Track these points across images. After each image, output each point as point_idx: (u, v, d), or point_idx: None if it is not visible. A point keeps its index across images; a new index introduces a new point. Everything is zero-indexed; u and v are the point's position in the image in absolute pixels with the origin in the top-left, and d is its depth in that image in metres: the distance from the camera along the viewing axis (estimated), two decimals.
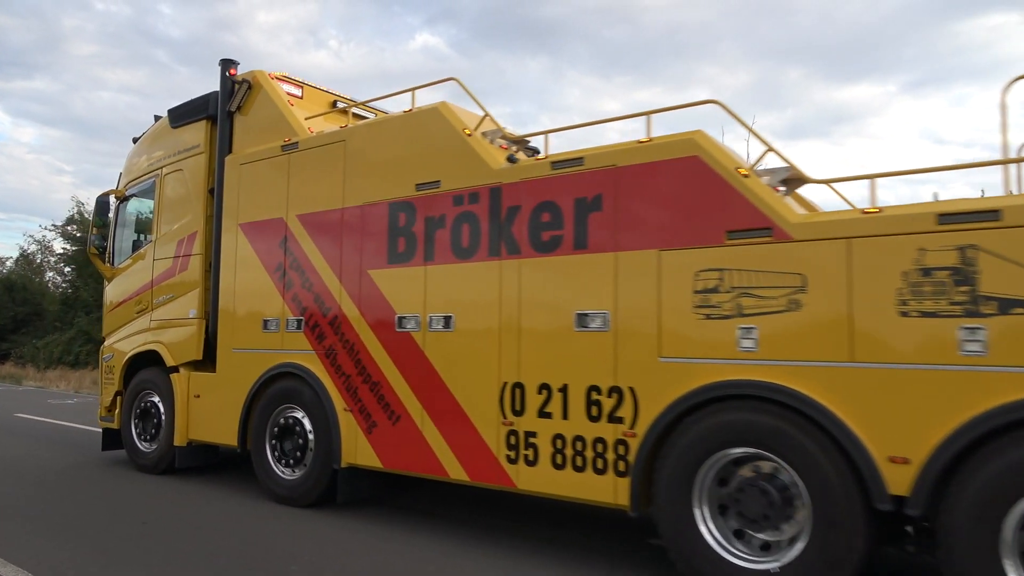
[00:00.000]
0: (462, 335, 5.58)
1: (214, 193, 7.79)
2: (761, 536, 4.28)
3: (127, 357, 8.41)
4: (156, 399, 8.09)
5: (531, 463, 5.12)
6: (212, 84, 7.86)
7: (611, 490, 4.75)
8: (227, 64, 7.79)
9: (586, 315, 4.94)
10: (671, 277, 4.62)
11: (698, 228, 4.56)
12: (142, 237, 9.05)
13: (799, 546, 4.08)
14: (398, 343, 5.97)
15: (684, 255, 4.59)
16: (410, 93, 6.36)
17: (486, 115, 5.87)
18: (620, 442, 4.73)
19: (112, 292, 8.95)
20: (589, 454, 4.85)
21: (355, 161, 6.44)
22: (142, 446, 8.20)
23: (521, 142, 6.07)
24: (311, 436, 6.52)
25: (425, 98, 6.34)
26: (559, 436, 5.00)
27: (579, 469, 4.89)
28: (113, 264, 8.96)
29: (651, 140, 4.87)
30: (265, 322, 7.00)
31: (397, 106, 7.41)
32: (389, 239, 6.11)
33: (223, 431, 7.33)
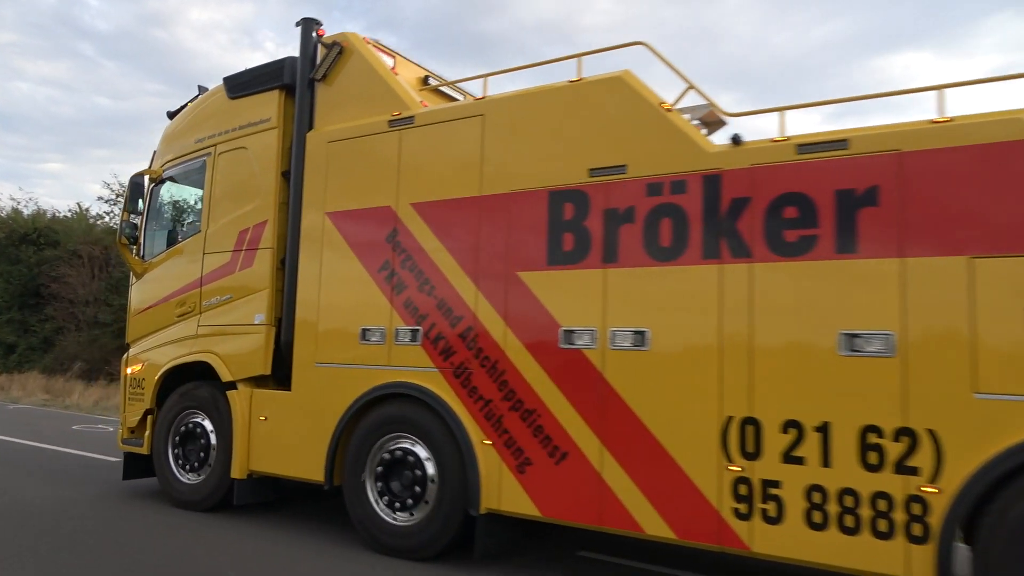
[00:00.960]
0: (661, 355, 4.50)
1: (289, 176, 6.53)
2: None
3: (163, 369, 7.03)
4: (203, 420, 6.74)
5: (773, 520, 4.06)
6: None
7: (900, 560, 3.73)
8: (310, 24, 6.55)
9: (858, 336, 3.93)
10: (991, 291, 3.65)
11: None
12: (180, 227, 7.69)
13: None
14: (564, 362, 4.85)
15: (1013, 264, 3.63)
16: (533, 68, 5.29)
17: (690, 87, 4.82)
18: (915, 499, 3.72)
19: (141, 292, 7.54)
20: (865, 512, 3.83)
21: (498, 140, 5.31)
22: (184, 477, 6.82)
23: (715, 123, 5.05)
24: (432, 473, 5.32)
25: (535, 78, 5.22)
26: (817, 488, 3.96)
27: (850, 531, 3.86)
28: (143, 258, 7.56)
29: (951, 120, 3.91)
30: (364, 332, 5.77)
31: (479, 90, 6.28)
32: (549, 235, 5.00)
33: (299, 462, 6.04)
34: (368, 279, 5.81)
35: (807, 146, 4.20)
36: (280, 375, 6.42)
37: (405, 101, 5.97)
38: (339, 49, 6.36)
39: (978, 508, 3.62)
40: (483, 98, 5.52)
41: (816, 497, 3.96)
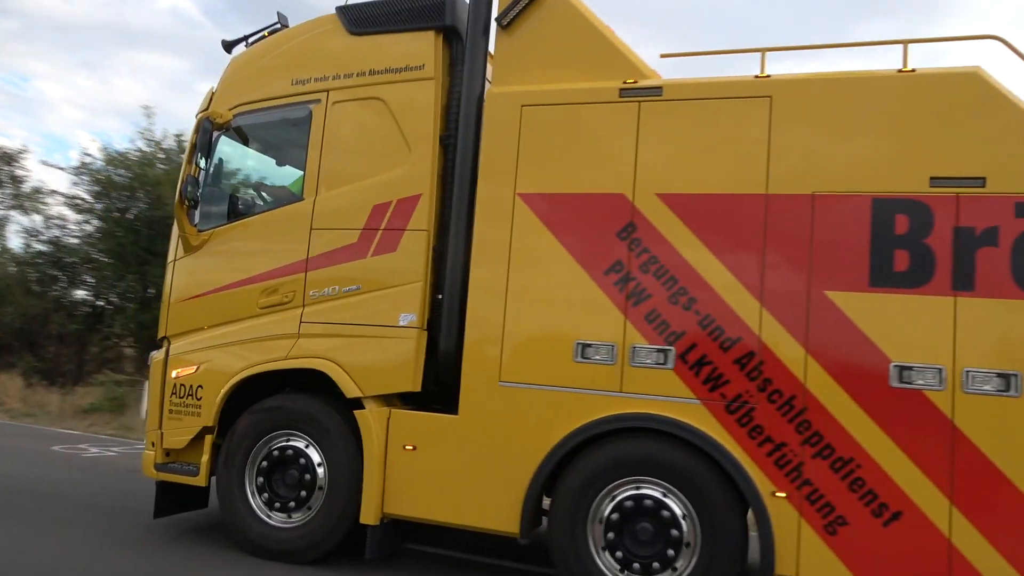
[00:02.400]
0: None
1: (450, 141, 5.18)
2: None
3: (239, 377, 5.34)
4: (303, 446, 5.18)
5: None
6: None
7: None
8: None
9: None
10: None
11: None
12: (257, 191, 5.99)
13: None
14: (895, 404, 4.06)
15: None
16: (839, 49, 4.53)
17: None
18: None
19: (193, 271, 5.71)
20: None
21: (793, 129, 4.41)
22: (271, 518, 5.19)
23: None
24: (689, 532, 4.30)
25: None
26: None
27: None
28: (196, 227, 5.73)
29: None
30: (583, 347, 4.62)
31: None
32: (873, 250, 4.19)
33: (472, 507, 4.75)
34: (588, 282, 4.66)
35: None
36: (428, 393, 5.07)
37: (638, 67, 4.88)
38: None
39: None
40: (767, 77, 4.59)
41: None
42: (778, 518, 4.16)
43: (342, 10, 5.57)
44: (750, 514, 4.32)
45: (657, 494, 4.40)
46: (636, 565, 4.37)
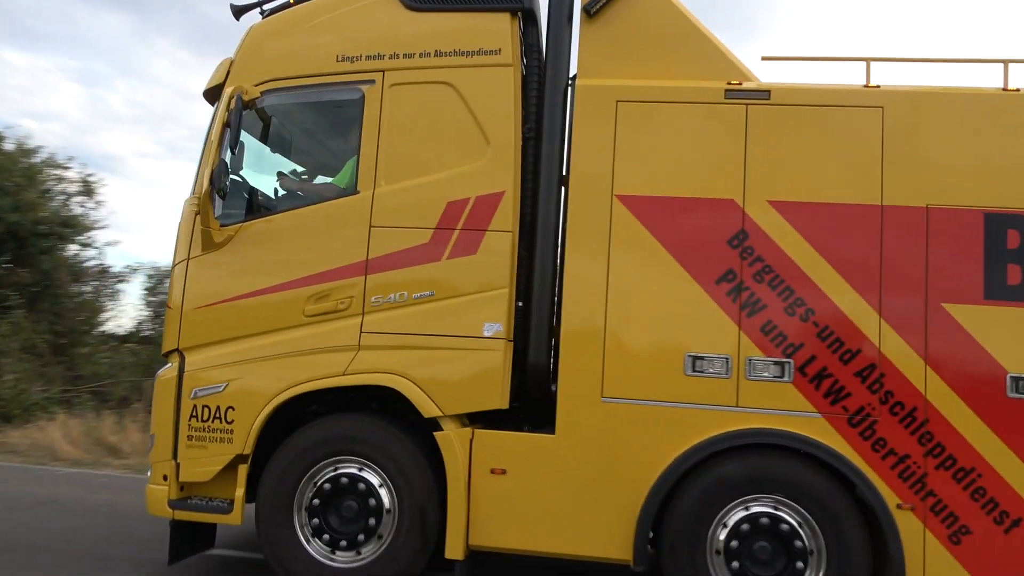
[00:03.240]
0: None
1: (530, 135, 4.76)
2: None
3: (285, 395, 4.61)
4: (364, 473, 4.56)
5: None
6: None
7: None
8: None
9: None
10: None
11: None
12: (289, 181, 5.20)
13: None
14: (1012, 413, 4.18)
15: None
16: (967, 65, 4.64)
17: None
18: None
19: (216, 274, 4.86)
20: None
21: (907, 141, 4.41)
22: (329, 558, 4.52)
23: None
24: (813, 548, 4.20)
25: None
26: None
27: None
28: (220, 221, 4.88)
29: None
30: (694, 360, 4.39)
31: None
32: (987, 263, 4.28)
33: (573, 535, 4.39)
34: (698, 290, 4.44)
35: None
36: (518, 410, 4.63)
37: (740, 68, 4.71)
38: None
39: None
40: (877, 87, 4.56)
41: None
42: (906, 530, 4.16)
43: None
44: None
45: (773, 510, 4.26)
46: None
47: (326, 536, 4.54)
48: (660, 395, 4.41)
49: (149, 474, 4.87)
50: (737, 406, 4.35)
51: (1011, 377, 4.19)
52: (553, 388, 4.61)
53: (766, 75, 4.74)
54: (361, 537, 4.51)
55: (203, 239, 4.82)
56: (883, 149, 4.42)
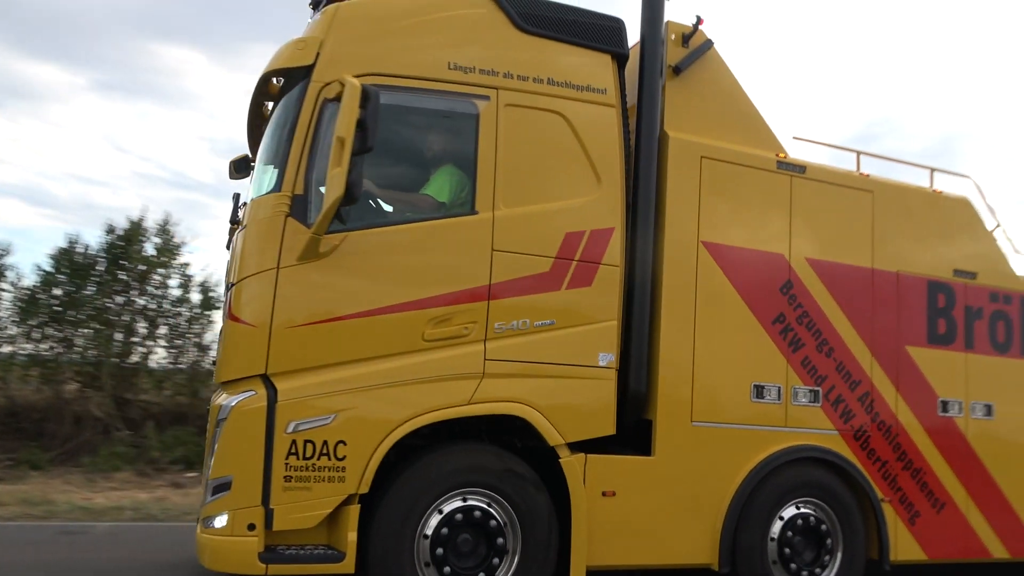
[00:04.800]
0: (1001, 423, 6.02)
1: (632, 175, 5.07)
2: None
3: (406, 427, 4.21)
4: (486, 504, 4.41)
5: None
6: None
7: None
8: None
9: None
10: None
11: None
12: (391, 190, 4.64)
13: None
14: (941, 427, 5.79)
15: None
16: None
17: (998, 225, 6.43)
18: None
19: (313, 285, 4.16)
20: None
21: (888, 220, 5.78)
22: None
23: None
24: (836, 535, 5.31)
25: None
26: None
27: None
28: (308, 225, 4.18)
29: None
30: (758, 388, 5.19)
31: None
32: (928, 317, 5.85)
33: (669, 546, 4.88)
34: (760, 329, 5.26)
35: None
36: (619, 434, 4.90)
37: (778, 142, 5.62)
38: (710, 45, 5.39)
39: None
40: (868, 176, 5.84)
41: None
42: (888, 517, 5.50)
43: None
44: None
45: (810, 510, 5.28)
46: (807, 573, 5.19)
47: (447, 570, 4.30)
48: (735, 419, 5.12)
49: (216, 524, 4.02)
50: (786, 426, 5.26)
51: (940, 400, 5.81)
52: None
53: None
54: (488, 569, 4.37)
55: (305, 247, 4.14)
56: (874, 224, 5.74)
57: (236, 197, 5.81)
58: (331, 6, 4.60)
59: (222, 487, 4.04)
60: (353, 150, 3.98)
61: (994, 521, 5.89)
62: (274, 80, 4.73)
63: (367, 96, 4.04)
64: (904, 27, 50.99)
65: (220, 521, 4.03)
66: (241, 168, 6.06)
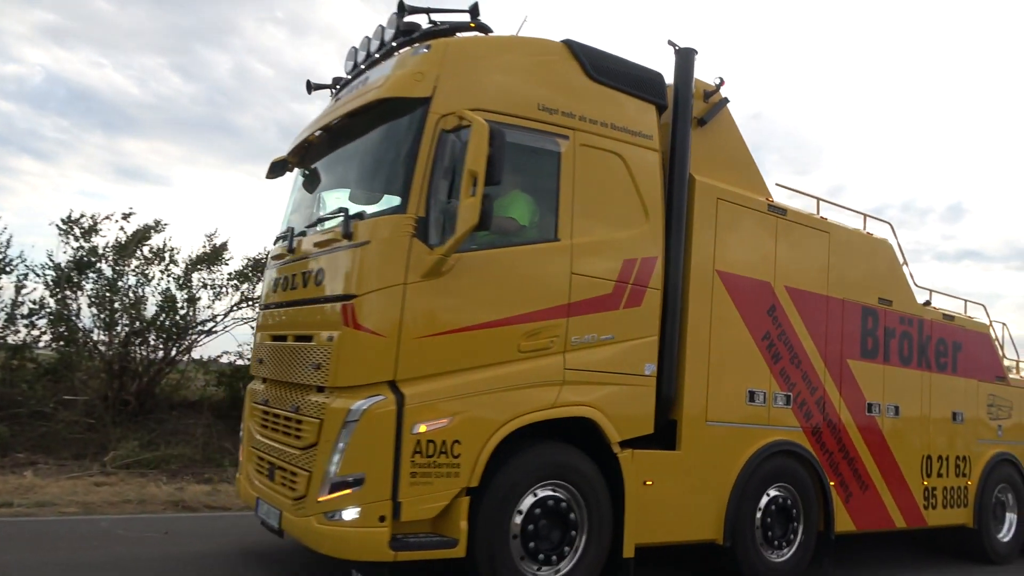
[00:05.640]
0: (904, 421, 7.57)
1: (668, 212, 5.91)
2: None
3: (508, 428, 4.79)
4: (560, 494, 5.09)
5: (933, 507, 7.83)
6: None
7: (965, 516, 8.14)
8: (691, 55, 6.10)
9: (958, 413, 8.19)
10: (973, 397, 8.56)
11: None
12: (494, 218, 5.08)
13: None
14: (867, 424, 7.21)
15: (979, 385, 8.64)
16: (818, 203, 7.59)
17: (905, 262, 7.96)
18: (965, 488, 8.24)
19: (437, 300, 4.61)
20: (953, 497, 8.09)
21: (838, 256, 7.09)
22: (535, 575, 4.88)
23: None
24: (799, 513, 6.52)
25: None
26: (945, 488, 7.98)
27: (948, 506, 8.03)
28: (430, 245, 4.61)
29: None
30: (751, 393, 6.27)
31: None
32: (861, 336, 7.25)
33: (688, 526, 5.83)
34: (752, 344, 6.34)
35: (947, 316, 8.21)
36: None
37: (764, 186, 6.71)
38: (726, 102, 6.34)
39: (984, 486, 8.43)
40: (824, 219, 7.10)
41: (945, 493, 7.97)
42: (834, 497, 6.81)
43: (579, 47, 5.48)
44: None
45: (780, 493, 6.46)
46: (780, 543, 6.35)
47: (536, 554, 4.93)
48: (736, 418, 6.15)
49: (346, 517, 4.38)
50: (768, 424, 6.38)
51: (867, 403, 7.24)
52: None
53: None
54: (564, 550, 5.05)
55: (431, 266, 4.59)
56: (829, 259, 7.02)
57: (291, 231, 5.81)
58: (441, 41, 5.03)
59: (353, 483, 4.41)
60: (484, 183, 4.49)
61: (897, 498, 7.45)
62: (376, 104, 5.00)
63: (494, 135, 4.56)
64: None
65: (350, 514, 4.40)
66: (277, 170, 6.23)
